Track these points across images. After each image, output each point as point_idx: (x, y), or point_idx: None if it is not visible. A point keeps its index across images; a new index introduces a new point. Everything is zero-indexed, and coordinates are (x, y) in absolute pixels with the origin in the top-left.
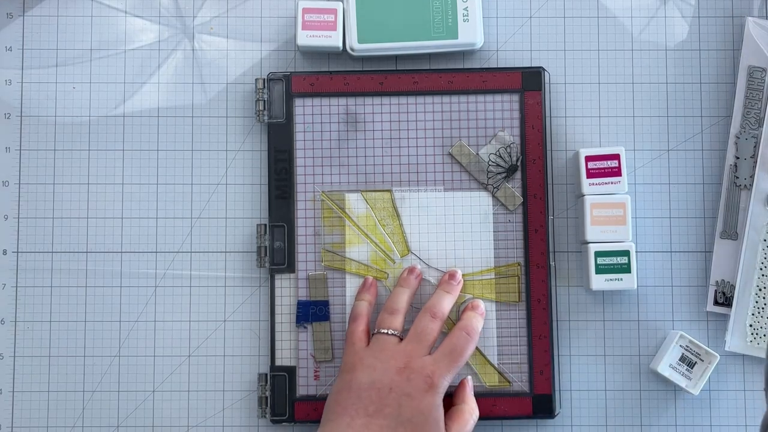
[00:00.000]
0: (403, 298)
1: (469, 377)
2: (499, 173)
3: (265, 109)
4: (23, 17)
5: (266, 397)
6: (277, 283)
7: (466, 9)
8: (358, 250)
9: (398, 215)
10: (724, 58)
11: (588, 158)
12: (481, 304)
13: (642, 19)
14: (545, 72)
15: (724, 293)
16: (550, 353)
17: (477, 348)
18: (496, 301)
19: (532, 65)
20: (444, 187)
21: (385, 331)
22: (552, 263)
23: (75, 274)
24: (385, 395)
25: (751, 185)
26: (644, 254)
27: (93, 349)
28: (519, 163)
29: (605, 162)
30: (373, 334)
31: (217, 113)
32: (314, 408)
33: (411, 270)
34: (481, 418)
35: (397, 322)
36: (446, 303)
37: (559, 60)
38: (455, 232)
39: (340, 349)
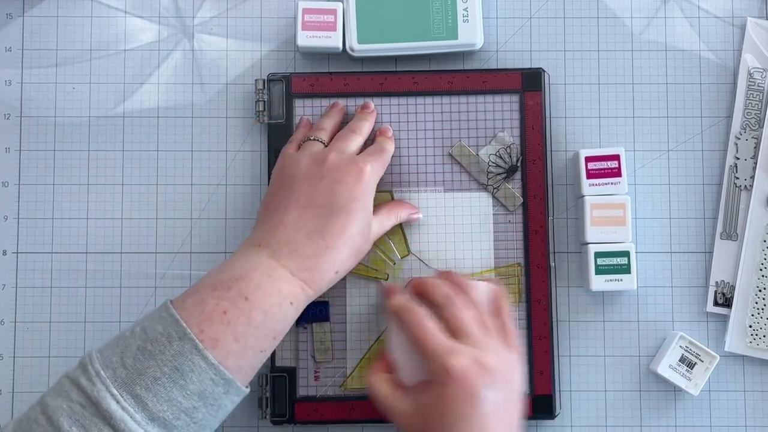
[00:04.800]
0: (329, 123)
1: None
2: (499, 174)
3: (265, 109)
4: (23, 17)
5: (266, 398)
6: None
7: (466, 9)
8: None
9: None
10: (724, 58)
11: (588, 159)
12: (389, 130)
13: (642, 19)
14: (545, 73)
15: (723, 294)
16: (550, 354)
17: None
18: None
19: (532, 66)
20: (444, 187)
21: (313, 137)
22: (552, 264)
23: (75, 274)
24: (317, 184)
25: (751, 186)
26: (644, 255)
27: None
28: (519, 164)
29: (605, 163)
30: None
31: (217, 114)
32: (315, 408)
33: (334, 105)
34: None
35: (324, 134)
36: (366, 125)
37: (559, 60)
38: (455, 232)
39: (340, 350)
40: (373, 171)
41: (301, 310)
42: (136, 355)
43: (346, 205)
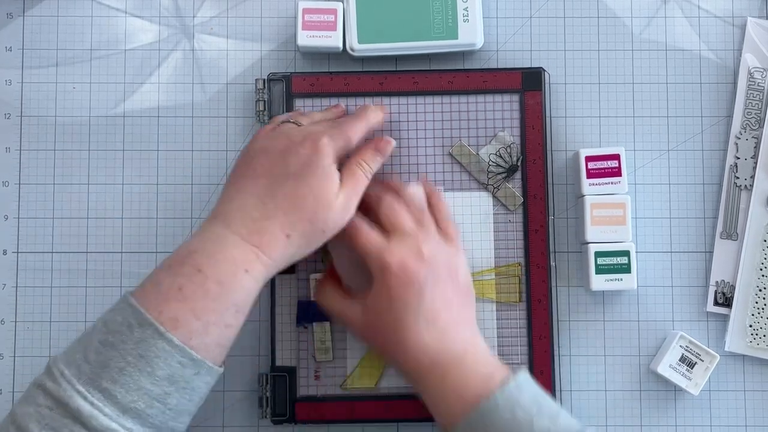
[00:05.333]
0: (319, 116)
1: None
2: (500, 173)
3: (265, 109)
4: (23, 17)
5: (267, 398)
6: (278, 283)
7: (466, 9)
8: None
9: None
10: (724, 58)
11: (588, 158)
12: (393, 142)
13: (642, 19)
14: (545, 72)
15: (724, 293)
16: (550, 353)
17: None
18: (496, 302)
19: (532, 65)
20: (444, 187)
21: (293, 120)
22: (552, 263)
23: (75, 274)
24: (275, 157)
25: (752, 186)
26: (644, 254)
27: None
28: (519, 164)
29: (605, 162)
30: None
31: (217, 113)
32: (315, 408)
33: (336, 106)
34: None
35: (305, 120)
36: (358, 126)
37: (560, 60)
38: None
39: (341, 349)
40: (330, 141)
41: (261, 282)
42: (98, 348)
43: (298, 171)
